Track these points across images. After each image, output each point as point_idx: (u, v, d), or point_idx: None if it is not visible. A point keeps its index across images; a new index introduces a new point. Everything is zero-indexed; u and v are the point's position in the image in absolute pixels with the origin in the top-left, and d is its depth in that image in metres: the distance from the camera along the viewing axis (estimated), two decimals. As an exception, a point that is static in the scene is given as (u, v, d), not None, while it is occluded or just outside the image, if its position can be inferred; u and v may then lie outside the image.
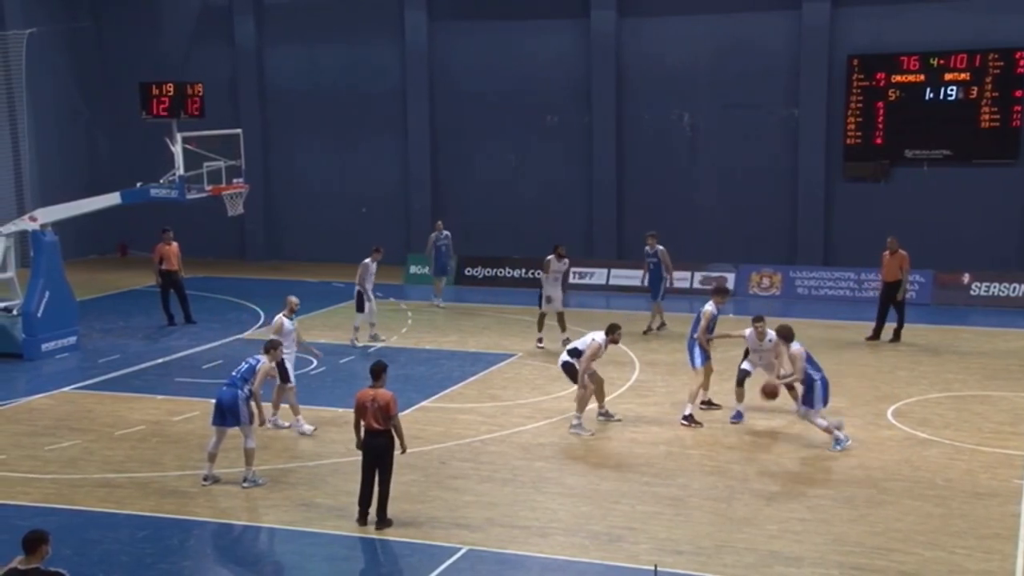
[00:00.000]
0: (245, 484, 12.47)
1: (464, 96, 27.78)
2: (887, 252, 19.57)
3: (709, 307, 15.10)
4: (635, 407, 15.61)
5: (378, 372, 11.36)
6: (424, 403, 15.66)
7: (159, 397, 16.12)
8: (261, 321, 21.61)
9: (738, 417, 14.76)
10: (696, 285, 24.73)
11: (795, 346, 13.76)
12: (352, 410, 11.42)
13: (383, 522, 11.19)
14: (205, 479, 12.61)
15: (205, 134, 19.04)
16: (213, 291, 24.48)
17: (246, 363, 12.77)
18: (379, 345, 19.34)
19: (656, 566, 9.59)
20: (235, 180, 19.26)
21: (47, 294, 18.75)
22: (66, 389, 16.71)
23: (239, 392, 12.46)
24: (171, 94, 18.27)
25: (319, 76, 28.80)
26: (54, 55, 28.49)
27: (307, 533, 11.19)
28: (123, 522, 11.48)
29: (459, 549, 10.70)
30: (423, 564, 10.54)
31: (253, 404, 12.46)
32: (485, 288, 25.17)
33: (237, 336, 20.23)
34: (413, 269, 26.49)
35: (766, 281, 24.42)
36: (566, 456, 13.51)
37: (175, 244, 21.09)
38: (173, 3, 30.14)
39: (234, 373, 12.71)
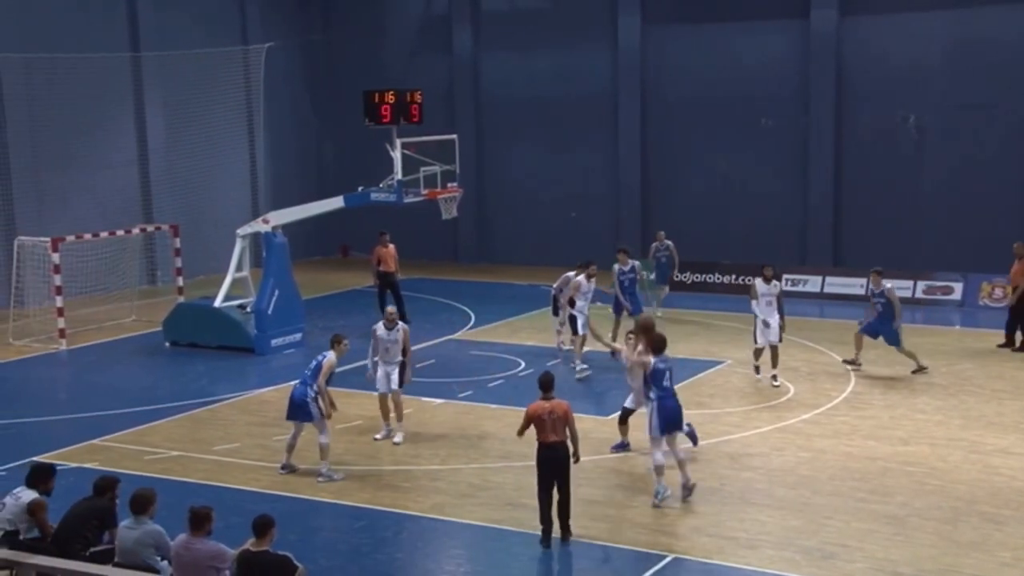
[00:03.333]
0: (320, 479, 12.85)
1: (676, 99, 27.53)
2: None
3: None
4: (850, 420, 15.04)
5: (549, 384, 11.24)
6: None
7: (375, 394, 16.73)
8: (472, 322, 22.15)
9: (621, 447, 13.61)
10: (919, 295, 23.54)
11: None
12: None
13: (568, 532, 11.10)
14: (282, 468, 13.14)
15: (422, 140, 19.68)
16: (426, 292, 25.29)
17: (315, 360, 13.12)
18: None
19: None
20: (449, 184, 19.80)
21: (277, 293, 19.87)
22: (293, 383, 17.56)
23: (308, 390, 12.85)
24: (392, 102, 18.94)
25: (532, 82, 29.21)
26: (288, 66, 30.26)
27: (514, 532, 11.38)
28: (342, 512, 12.04)
29: (664, 557, 10.61)
30: (627, 569, 10.53)
31: (322, 401, 12.78)
32: (694, 294, 24.81)
33: (449, 336, 20.81)
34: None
35: (998, 292, 22.91)
36: (775, 467, 13.16)
37: (392, 246, 21.89)
38: (396, 14, 31.38)
39: (306, 371, 13.11)
